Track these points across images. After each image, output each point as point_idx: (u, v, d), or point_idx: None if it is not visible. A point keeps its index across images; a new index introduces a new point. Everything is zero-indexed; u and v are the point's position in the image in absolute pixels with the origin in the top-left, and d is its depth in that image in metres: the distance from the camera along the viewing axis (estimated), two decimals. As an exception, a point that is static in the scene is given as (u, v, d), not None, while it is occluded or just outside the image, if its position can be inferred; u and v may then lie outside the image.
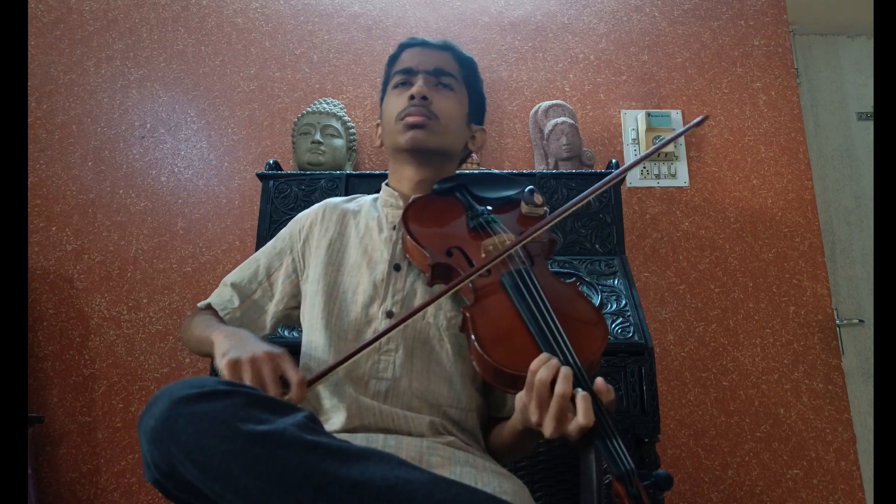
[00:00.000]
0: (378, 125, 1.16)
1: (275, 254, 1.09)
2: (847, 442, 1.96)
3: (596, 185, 0.93)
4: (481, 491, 0.64)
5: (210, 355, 0.95)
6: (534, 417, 0.72)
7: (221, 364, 0.80)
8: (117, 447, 1.91)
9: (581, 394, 0.70)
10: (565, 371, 0.72)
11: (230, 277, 1.09)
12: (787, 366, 2.01)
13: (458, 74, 1.10)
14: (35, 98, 2.19)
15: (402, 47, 1.12)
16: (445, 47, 1.11)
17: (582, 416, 0.68)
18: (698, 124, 0.93)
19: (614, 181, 0.94)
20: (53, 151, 2.15)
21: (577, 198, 0.92)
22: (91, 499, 1.88)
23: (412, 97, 1.03)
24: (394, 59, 1.12)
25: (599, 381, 0.73)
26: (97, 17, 2.28)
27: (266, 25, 2.28)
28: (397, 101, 1.05)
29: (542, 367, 0.73)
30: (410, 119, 1.02)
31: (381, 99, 1.14)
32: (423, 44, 1.10)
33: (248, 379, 0.76)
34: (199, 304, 1.09)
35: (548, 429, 0.71)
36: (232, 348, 0.82)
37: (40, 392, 1.95)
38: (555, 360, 0.73)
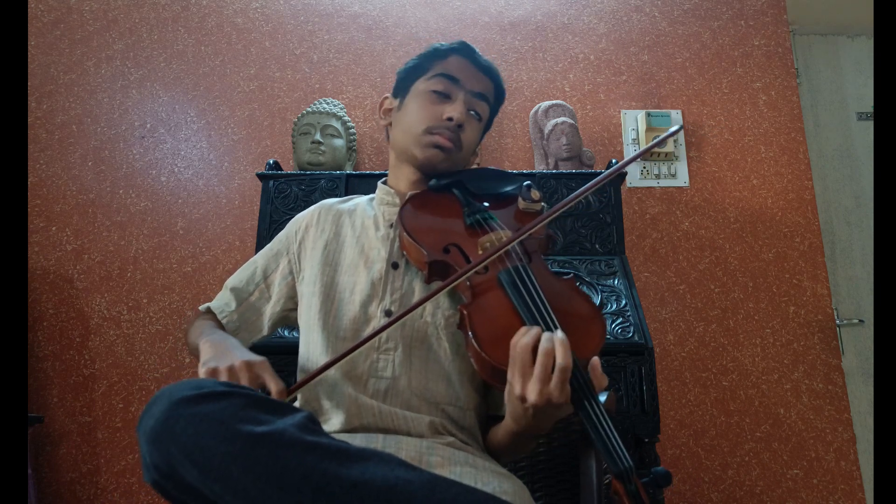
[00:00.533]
0: (387, 98, 1.12)
1: (272, 255, 1.09)
2: (847, 442, 1.95)
3: (588, 185, 0.93)
4: (481, 491, 0.64)
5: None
6: (517, 388, 0.73)
7: (201, 373, 0.80)
8: (117, 447, 1.91)
9: (559, 337, 0.72)
10: (547, 334, 0.73)
11: (230, 281, 1.10)
12: (787, 366, 2.01)
13: (491, 104, 1.09)
14: (35, 98, 2.19)
15: (453, 50, 1.07)
16: (491, 73, 1.08)
17: (560, 357, 0.70)
18: (675, 133, 0.95)
19: (603, 182, 0.95)
20: (53, 151, 2.15)
21: (571, 196, 0.92)
22: (91, 499, 1.88)
23: (450, 118, 1.01)
24: (439, 55, 1.07)
25: (595, 360, 0.74)
26: (97, 17, 2.28)
27: (266, 25, 2.28)
28: (431, 111, 1.02)
29: (523, 336, 0.74)
30: (439, 139, 1.01)
31: (406, 79, 1.09)
32: (474, 59, 1.07)
33: None
34: (200, 308, 1.10)
35: (532, 393, 0.71)
36: (212, 358, 0.83)
37: (40, 392, 1.95)
38: (536, 328, 0.74)
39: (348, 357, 0.91)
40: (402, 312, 0.85)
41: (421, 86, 1.06)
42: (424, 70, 1.07)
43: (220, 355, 0.84)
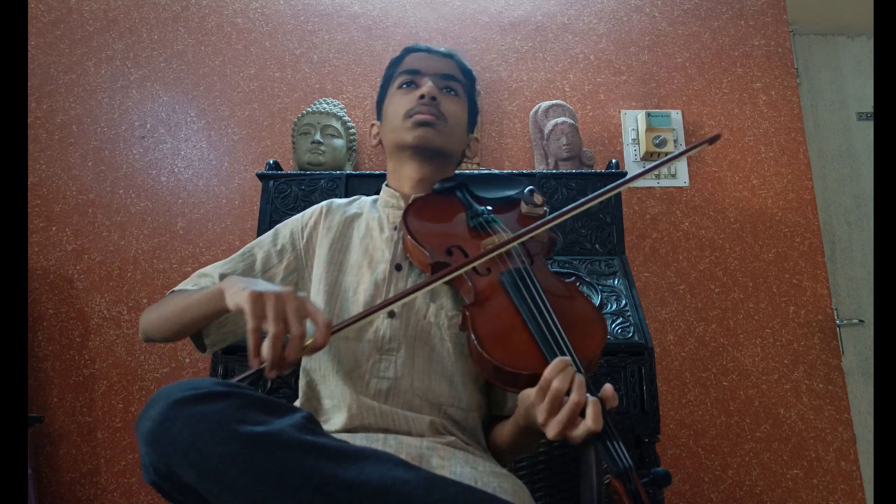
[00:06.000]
0: (373, 125, 1.16)
1: (275, 250, 1.06)
2: (847, 442, 1.95)
3: (598, 192, 0.93)
4: (480, 490, 0.64)
5: (191, 326, 0.92)
6: (541, 418, 0.73)
7: (241, 297, 0.76)
8: (117, 447, 1.91)
9: (591, 399, 0.70)
10: (580, 379, 0.72)
11: (218, 268, 1.04)
12: (787, 366, 2.01)
13: (462, 82, 1.12)
14: (35, 98, 2.19)
15: (407, 51, 1.13)
16: (450, 55, 1.13)
17: (591, 420, 0.69)
18: (712, 141, 0.96)
19: (618, 189, 0.95)
20: (53, 151, 2.15)
21: (576, 203, 0.92)
22: (91, 499, 1.88)
23: (422, 97, 1.03)
24: (397, 61, 1.13)
25: (608, 387, 0.73)
26: (97, 17, 2.28)
27: (266, 25, 2.28)
28: (404, 100, 1.06)
29: (558, 374, 0.73)
30: (420, 117, 1.03)
31: (380, 99, 1.15)
32: (429, 50, 1.12)
33: (271, 314, 0.73)
34: (170, 291, 1.03)
35: (552, 431, 0.71)
36: (251, 284, 0.79)
37: (40, 392, 1.95)
38: (570, 369, 0.73)
39: (351, 356, 0.91)
40: (406, 291, 0.84)
41: (391, 91, 1.11)
42: (390, 78, 1.13)
43: (258, 283, 0.79)
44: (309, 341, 0.75)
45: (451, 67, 1.11)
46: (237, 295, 0.78)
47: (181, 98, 2.21)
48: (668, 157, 0.95)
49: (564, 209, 0.92)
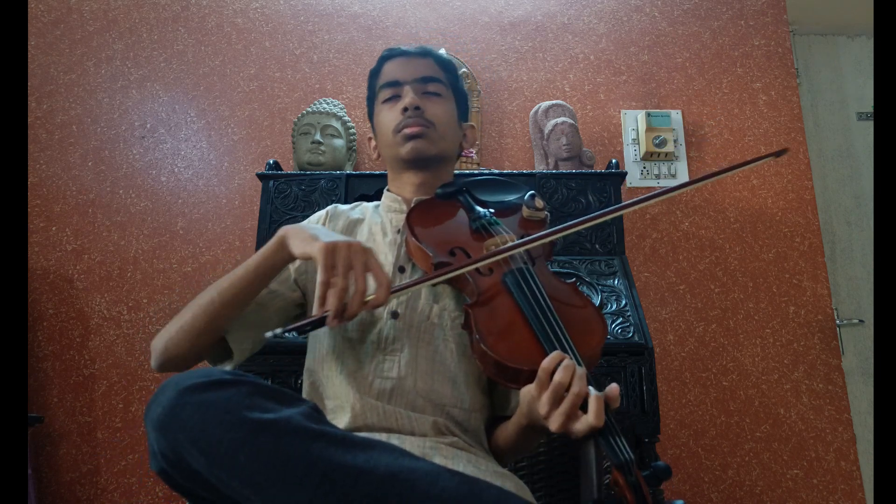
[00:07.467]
0: (371, 139, 1.17)
1: None
2: (847, 442, 1.95)
3: (613, 208, 0.94)
4: (483, 481, 0.64)
5: (241, 301, 0.89)
6: (543, 411, 0.73)
7: (313, 248, 0.78)
8: (117, 447, 1.91)
9: (594, 394, 0.70)
10: (581, 371, 0.72)
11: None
12: (787, 366, 2.01)
13: (443, 79, 1.11)
14: (35, 98, 2.19)
15: (382, 60, 1.12)
16: (425, 54, 1.12)
17: (594, 416, 0.69)
18: (778, 155, 0.94)
19: (634, 206, 0.95)
20: (53, 151, 2.15)
21: (589, 216, 0.93)
22: (91, 499, 1.88)
23: (405, 109, 1.04)
24: (376, 73, 1.13)
25: (614, 386, 0.72)
26: (97, 17, 2.28)
27: (266, 25, 2.28)
28: (391, 115, 1.06)
29: (557, 366, 0.73)
30: (408, 130, 1.04)
31: (370, 113, 1.15)
32: (403, 53, 1.11)
33: (340, 268, 0.76)
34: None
35: (554, 424, 0.71)
36: (321, 235, 0.80)
37: (40, 392, 1.94)
38: (570, 361, 0.73)
39: (354, 357, 0.91)
40: (408, 283, 0.85)
41: (377, 107, 1.11)
42: (374, 93, 1.13)
43: (326, 233, 0.82)
44: (370, 297, 0.79)
45: (428, 67, 1.10)
46: (307, 245, 0.80)
47: (181, 98, 2.21)
48: (736, 166, 0.93)
49: (572, 222, 0.92)
